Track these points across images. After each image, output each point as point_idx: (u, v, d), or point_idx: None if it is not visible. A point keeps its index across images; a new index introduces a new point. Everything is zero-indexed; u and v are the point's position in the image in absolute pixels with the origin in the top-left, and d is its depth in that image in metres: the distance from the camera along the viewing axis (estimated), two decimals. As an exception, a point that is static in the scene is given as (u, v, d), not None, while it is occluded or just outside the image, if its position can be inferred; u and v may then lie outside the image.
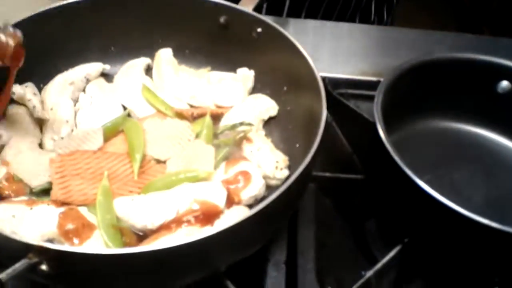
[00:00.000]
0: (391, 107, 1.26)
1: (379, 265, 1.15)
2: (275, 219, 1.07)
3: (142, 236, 1.11)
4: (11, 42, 1.07)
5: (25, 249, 0.85)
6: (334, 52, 1.73)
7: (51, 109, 1.31)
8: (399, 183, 1.14)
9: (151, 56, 1.51)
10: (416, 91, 1.34)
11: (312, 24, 1.85)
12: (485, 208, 1.29)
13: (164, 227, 1.09)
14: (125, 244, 1.08)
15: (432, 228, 1.16)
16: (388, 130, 1.19)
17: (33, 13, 1.33)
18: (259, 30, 1.37)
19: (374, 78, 1.62)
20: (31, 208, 1.09)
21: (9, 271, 0.82)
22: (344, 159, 1.46)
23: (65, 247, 0.90)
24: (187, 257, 0.93)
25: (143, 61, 1.48)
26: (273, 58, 1.39)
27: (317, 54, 1.28)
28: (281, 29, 1.32)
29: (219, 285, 1.07)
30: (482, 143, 1.45)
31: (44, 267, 0.86)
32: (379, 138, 1.16)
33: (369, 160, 1.32)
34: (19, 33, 1.10)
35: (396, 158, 1.11)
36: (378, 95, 1.23)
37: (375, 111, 1.19)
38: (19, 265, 0.83)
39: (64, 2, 1.38)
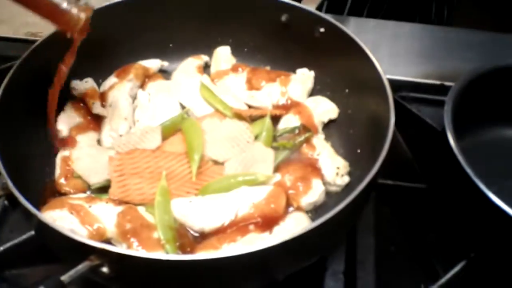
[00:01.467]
0: (460, 114, 1.19)
1: (443, 280, 1.09)
2: (338, 229, 1.03)
3: (198, 238, 1.10)
4: (83, 16, 1.05)
5: (87, 250, 0.84)
6: (395, 52, 1.66)
7: (110, 105, 1.30)
8: (467, 193, 1.08)
9: (209, 54, 1.49)
10: (487, 98, 1.27)
11: (372, 23, 1.79)
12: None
13: (222, 231, 1.07)
14: (181, 246, 1.06)
15: (499, 242, 1.09)
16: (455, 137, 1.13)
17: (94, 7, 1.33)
18: (322, 30, 1.33)
19: (437, 82, 1.55)
20: (89, 206, 1.09)
21: (72, 273, 0.82)
22: (405, 166, 1.40)
23: (127, 250, 0.89)
24: (247, 266, 0.91)
25: (202, 58, 1.46)
26: (335, 58, 1.35)
27: (377, 54, 1.21)
28: (345, 29, 1.27)
29: (276, 294, 1.04)
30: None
31: (105, 269, 0.85)
32: (448, 146, 1.10)
33: (434, 168, 1.26)
34: (90, 7, 1.08)
35: (467, 168, 1.05)
36: (449, 102, 1.16)
37: (445, 119, 1.13)
38: (81, 267, 0.83)
39: (124, -2, 1.37)
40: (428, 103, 1.52)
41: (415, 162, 1.39)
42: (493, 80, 1.25)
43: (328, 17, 1.31)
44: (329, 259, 1.14)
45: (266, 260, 0.92)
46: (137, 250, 1.01)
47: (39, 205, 1.08)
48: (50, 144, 1.24)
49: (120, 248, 0.84)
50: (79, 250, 0.85)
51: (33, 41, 1.61)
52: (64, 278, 0.81)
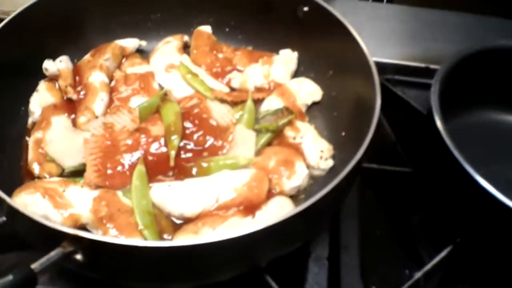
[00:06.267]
0: (446, 96, 1.17)
1: (428, 266, 1.08)
2: (322, 214, 1.00)
3: (178, 223, 1.06)
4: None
5: (60, 237, 0.80)
6: (380, 34, 1.63)
7: (85, 85, 1.25)
8: (455, 177, 1.06)
9: (189, 33, 1.44)
10: (473, 81, 1.25)
11: (357, 4, 1.76)
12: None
13: (203, 216, 1.03)
14: (161, 231, 1.02)
15: (487, 227, 1.08)
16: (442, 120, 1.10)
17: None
18: (305, 9, 1.29)
19: (422, 64, 1.53)
20: (64, 190, 1.04)
21: (43, 260, 0.78)
22: (389, 149, 1.38)
23: (102, 237, 0.84)
24: (229, 252, 0.87)
25: (181, 38, 1.41)
26: (319, 39, 1.31)
27: (362, 36, 1.18)
28: (330, 9, 1.24)
29: (258, 281, 1.01)
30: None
31: (78, 256, 0.81)
32: (435, 129, 1.08)
33: (420, 152, 1.24)
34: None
35: (454, 152, 1.03)
36: (435, 84, 1.14)
37: (432, 101, 1.10)
38: (53, 254, 0.79)
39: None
40: (413, 86, 1.50)
41: (399, 145, 1.37)
42: (478, 62, 1.22)
43: (312, -5, 1.27)
44: (312, 244, 1.12)
45: (248, 246, 0.88)
46: (113, 236, 0.97)
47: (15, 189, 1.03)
48: (25, 125, 1.21)
49: (94, 235, 0.80)
50: (51, 237, 0.81)
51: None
52: (35, 266, 0.76)
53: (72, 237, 0.79)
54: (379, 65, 1.48)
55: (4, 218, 1.00)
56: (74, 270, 0.96)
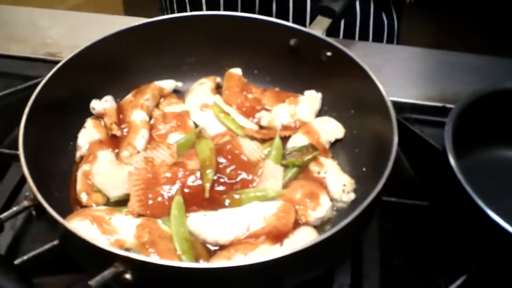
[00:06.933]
0: (460, 135, 1.26)
1: (444, 294, 1.15)
2: (344, 243, 1.09)
3: (212, 250, 1.16)
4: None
5: (112, 258, 0.90)
6: (398, 75, 1.73)
7: (128, 123, 1.37)
8: (467, 211, 1.14)
9: (221, 75, 1.56)
10: (487, 119, 1.34)
11: (376, 47, 1.88)
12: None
13: (235, 243, 1.13)
14: (197, 257, 1.12)
15: (499, 258, 1.15)
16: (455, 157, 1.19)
17: (112, 31, 1.41)
18: (328, 54, 1.40)
19: (439, 104, 1.62)
20: (110, 218, 1.15)
21: (98, 278, 0.88)
22: (407, 184, 1.46)
23: (149, 258, 0.95)
24: (260, 274, 0.97)
25: (214, 79, 1.54)
26: (341, 81, 1.42)
27: (381, 77, 1.29)
28: (351, 54, 1.35)
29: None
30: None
31: (128, 276, 0.91)
32: (449, 167, 1.16)
33: (436, 187, 1.32)
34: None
35: (467, 187, 1.11)
36: (449, 123, 1.23)
37: (445, 139, 1.19)
38: (107, 273, 0.89)
39: (141, 22, 1.46)
40: (430, 124, 1.58)
41: (417, 180, 1.45)
42: (491, 103, 1.31)
43: (335, 42, 1.38)
44: (336, 272, 1.20)
45: (276, 270, 0.98)
46: (155, 260, 1.07)
47: (64, 216, 1.14)
48: (73, 159, 1.34)
49: (142, 256, 0.90)
50: (104, 258, 0.91)
51: (52, 61, 1.70)
52: (92, 283, 0.87)
53: (123, 258, 0.89)
54: (397, 104, 1.58)
55: (54, 243, 1.12)
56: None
